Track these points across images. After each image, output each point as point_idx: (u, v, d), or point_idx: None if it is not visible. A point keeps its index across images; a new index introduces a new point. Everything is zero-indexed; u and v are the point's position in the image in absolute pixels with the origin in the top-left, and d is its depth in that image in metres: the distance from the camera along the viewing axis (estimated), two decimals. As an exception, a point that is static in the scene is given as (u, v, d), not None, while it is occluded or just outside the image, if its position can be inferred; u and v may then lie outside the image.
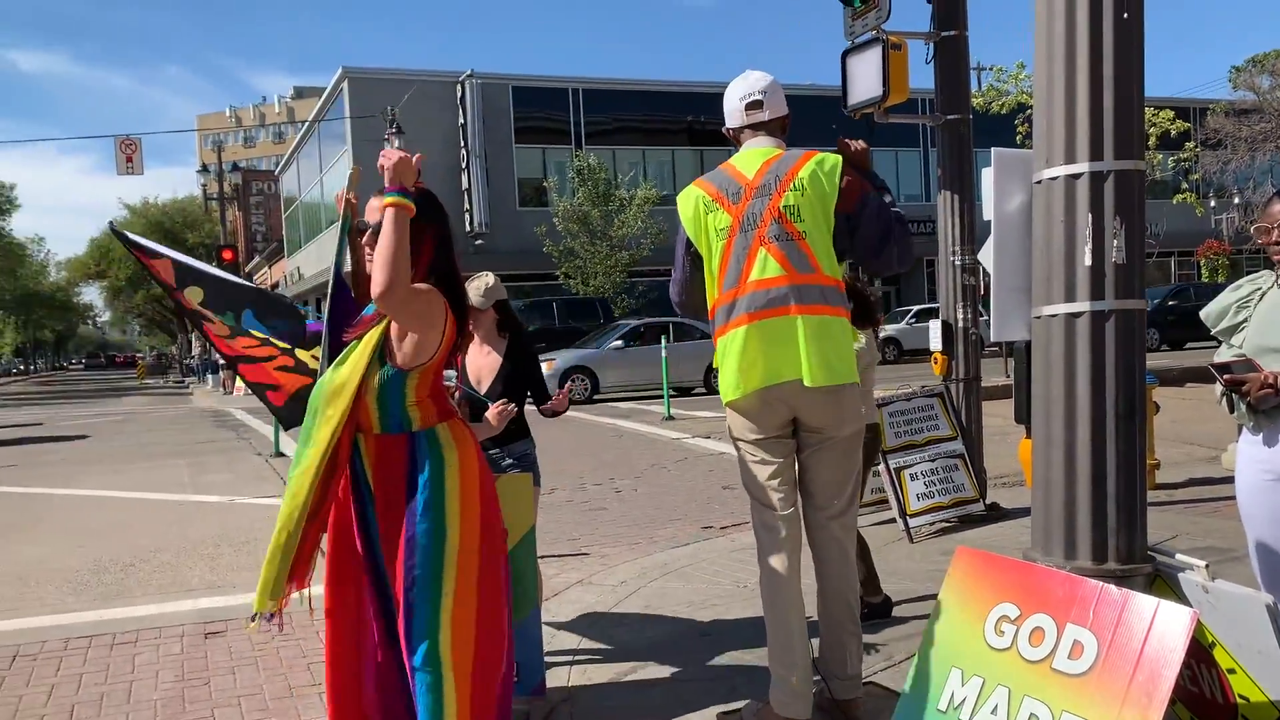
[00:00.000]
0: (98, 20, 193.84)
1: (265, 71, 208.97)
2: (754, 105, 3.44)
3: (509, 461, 4.20)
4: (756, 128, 3.45)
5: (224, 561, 6.72)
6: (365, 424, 2.78)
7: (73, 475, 11.80)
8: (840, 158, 3.31)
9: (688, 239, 3.47)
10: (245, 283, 4.32)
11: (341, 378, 2.75)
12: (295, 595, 2.87)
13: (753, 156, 3.39)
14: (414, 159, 2.79)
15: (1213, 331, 3.20)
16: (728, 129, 3.55)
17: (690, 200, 3.45)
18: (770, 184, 3.29)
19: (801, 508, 3.43)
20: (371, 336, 2.78)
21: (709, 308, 3.46)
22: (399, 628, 2.78)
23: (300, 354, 3.99)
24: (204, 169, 41.55)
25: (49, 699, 4.20)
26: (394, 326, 2.75)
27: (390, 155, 2.75)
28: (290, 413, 3.78)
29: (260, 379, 3.95)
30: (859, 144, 3.50)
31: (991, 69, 22.71)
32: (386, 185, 2.73)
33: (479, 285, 4.07)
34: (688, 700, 3.73)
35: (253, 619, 2.86)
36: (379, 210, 2.78)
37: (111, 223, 4.66)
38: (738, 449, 3.49)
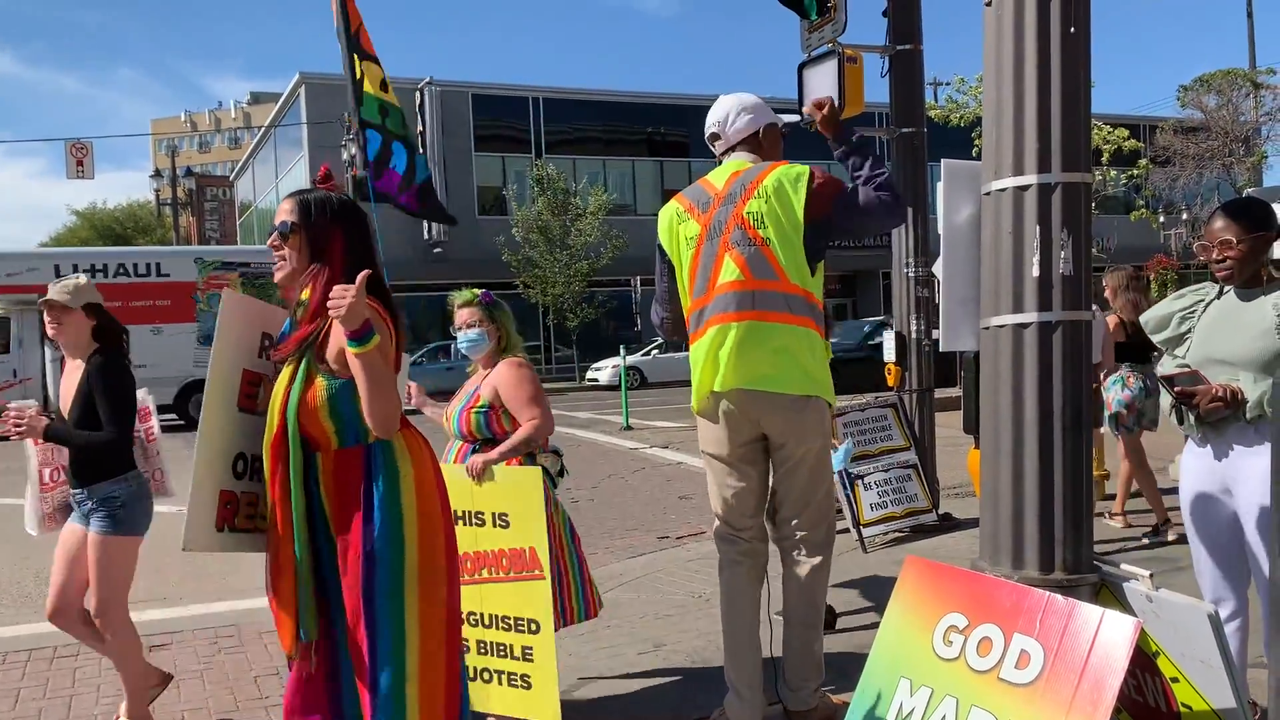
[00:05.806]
0: (45, 20, 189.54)
1: (221, 76, 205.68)
2: (713, 138, 3.55)
3: (89, 506, 3.64)
4: (726, 152, 3.53)
5: (170, 573, 6.59)
6: (322, 442, 2.65)
7: (13, 484, 11.52)
8: (808, 167, 3.31)
9: (663, 251, 3.54)
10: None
11: (273, 396, 2.66)
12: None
13: (724, 169, 3.47)
14: (359, 285, 2.45)
15: (1155, 340, 3.24)
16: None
17: (666, 213, 3.55)
18: (736, 192, 3.34)
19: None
20: (290, 368, 2.65)
21: (685, 318, 3.49)
22: (360, 645, 2.67)
23: None
24: (157, 174, 40.70)
25: (-16, 715, 4.09)
26: (330, 343, 2.60)
27: (338, 301, 2.43)
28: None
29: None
30: (821, 103, 3.45)
31: (951, 81, 23.03)
32: (346, 334, 2.45)
33: (68, 284, 3.55)
34: (638, 714, 3.71)
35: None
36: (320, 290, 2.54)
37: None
38: (705, 462, 3.53)
